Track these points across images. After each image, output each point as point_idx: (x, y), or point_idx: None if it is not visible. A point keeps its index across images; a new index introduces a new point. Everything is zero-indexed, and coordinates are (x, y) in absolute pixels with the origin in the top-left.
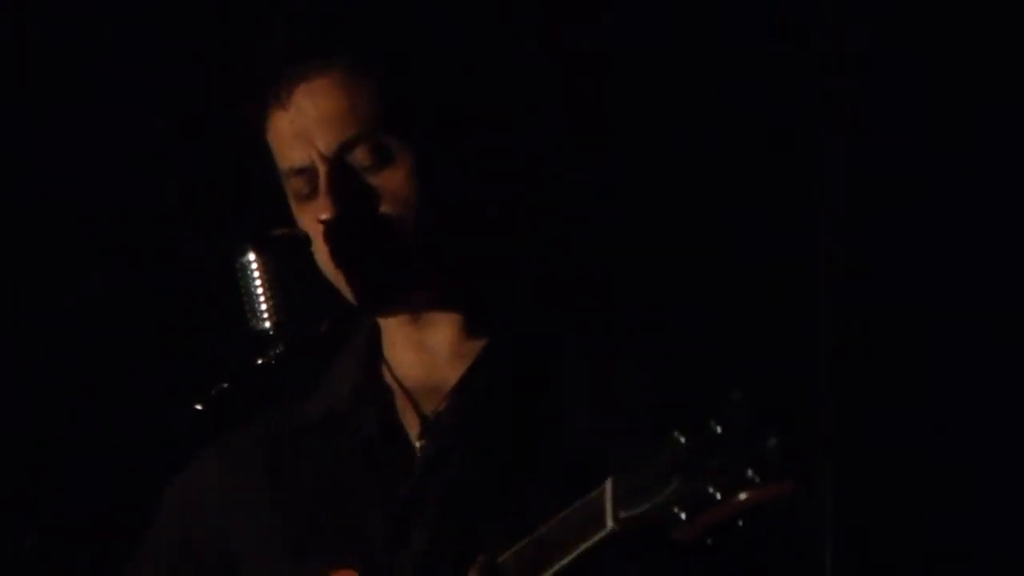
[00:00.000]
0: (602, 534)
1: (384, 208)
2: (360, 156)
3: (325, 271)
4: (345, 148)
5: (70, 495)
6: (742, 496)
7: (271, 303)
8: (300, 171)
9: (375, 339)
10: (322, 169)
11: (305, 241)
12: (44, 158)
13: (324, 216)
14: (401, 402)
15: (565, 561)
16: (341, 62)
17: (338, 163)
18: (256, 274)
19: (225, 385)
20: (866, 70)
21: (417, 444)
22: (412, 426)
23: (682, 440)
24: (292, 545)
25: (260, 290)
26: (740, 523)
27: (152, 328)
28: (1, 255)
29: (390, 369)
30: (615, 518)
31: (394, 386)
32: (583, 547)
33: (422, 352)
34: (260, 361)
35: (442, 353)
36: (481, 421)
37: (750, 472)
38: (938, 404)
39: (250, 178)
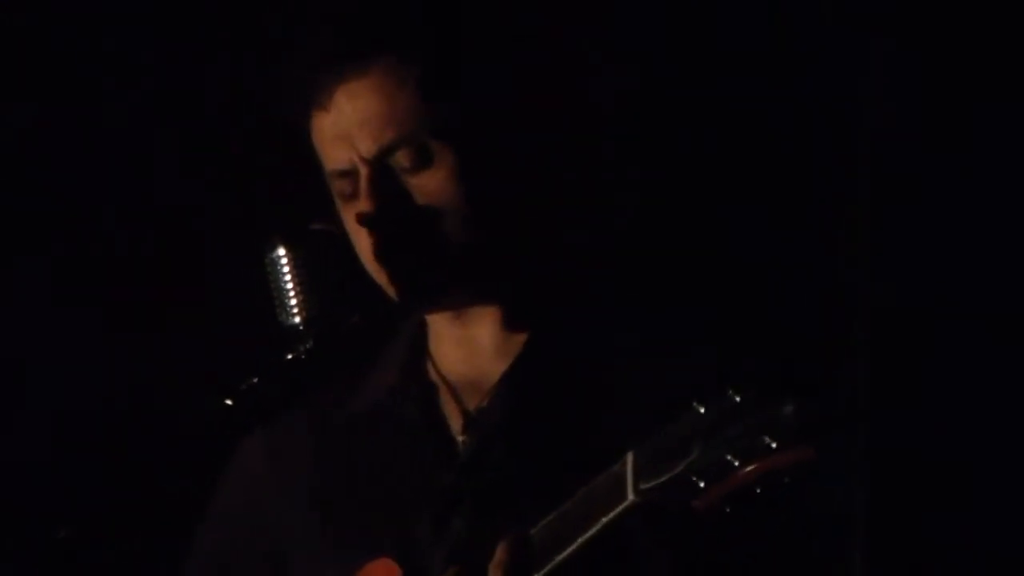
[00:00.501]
0: (623, 506)
1: (424, 208)
2: (400, 158)
3: (368, 270)
4: (385, 150)
5: (101, 489)
6: (759, 463)
7: (301, 298)
8: (343, 173)
9: (420, 334)
10: (363, 171)
11: (335, 236)
12: (70, 152)
13: (364, 220)
14: (444, 397)
15: (589, 534)
16: (381, 63)
17: (379, 165)
18: (286, 269)
19: (255, 380)
20: (888, 69)
21: (459, 439)
22: (455, 421)
23: (701, 410)
24: (334, 535)
25: (290, 285)
26: (758, 491)
27: (183, 323)
28: (33, 252)
29: (434, 364)
30: (635, 490)
31: (438, 381)
32: (605, 520)
33: (465, 348)
34: (290, 356)
35: (485, 349)
36: (522, 417)
37: (766, 439)
38: (976, 371)
39: (281, 173)
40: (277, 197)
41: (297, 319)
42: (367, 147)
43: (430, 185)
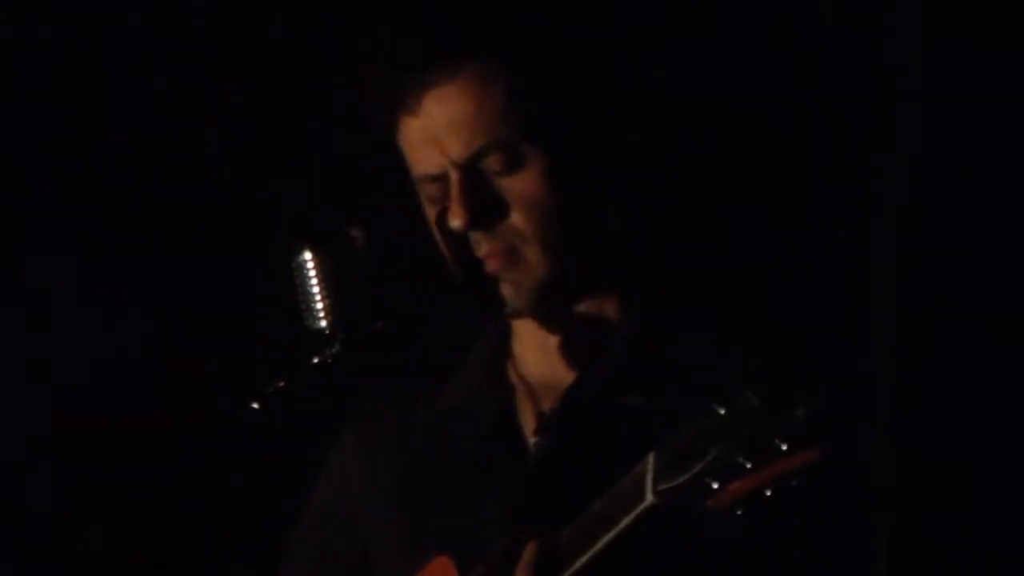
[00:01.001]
0: (642, 507)
1: (515, 211)
2: (491, 161)
3: (455, 275)
4: (476, 154)
5: (129, 491)
6: (769, 466)
7: (327, 302)
8: (433, 177)
9: (503, 335)
10: (454, 176)
11: (361, 240)
12: (102, 153)
13: (456, 223)
14: (521, 398)
15: (612, 535)
16: (469, 67)
17: (470, 169)
18: (312, 273)
19: (282, 384)
20: (924, 68)
21: (531, 440)
22: (529, 422)
23: (720, 412)
24: (410, 531)
25: (316, 289)
26: (768, 493)
27: (211, 327)
28: (62, 253)
29: (515, 365)
30: (654, 490)
31: (516, 382)
32: (626, 521)
33: (544, 350)
34: (316, 360)
35: (563, 351)
36: (592, 420)
37: (777, 441)
38: (998, 375)
39: (310, 178)
40: (305, 202)
41: (323, 323)
42: (458, 151)
43: (520, 187)
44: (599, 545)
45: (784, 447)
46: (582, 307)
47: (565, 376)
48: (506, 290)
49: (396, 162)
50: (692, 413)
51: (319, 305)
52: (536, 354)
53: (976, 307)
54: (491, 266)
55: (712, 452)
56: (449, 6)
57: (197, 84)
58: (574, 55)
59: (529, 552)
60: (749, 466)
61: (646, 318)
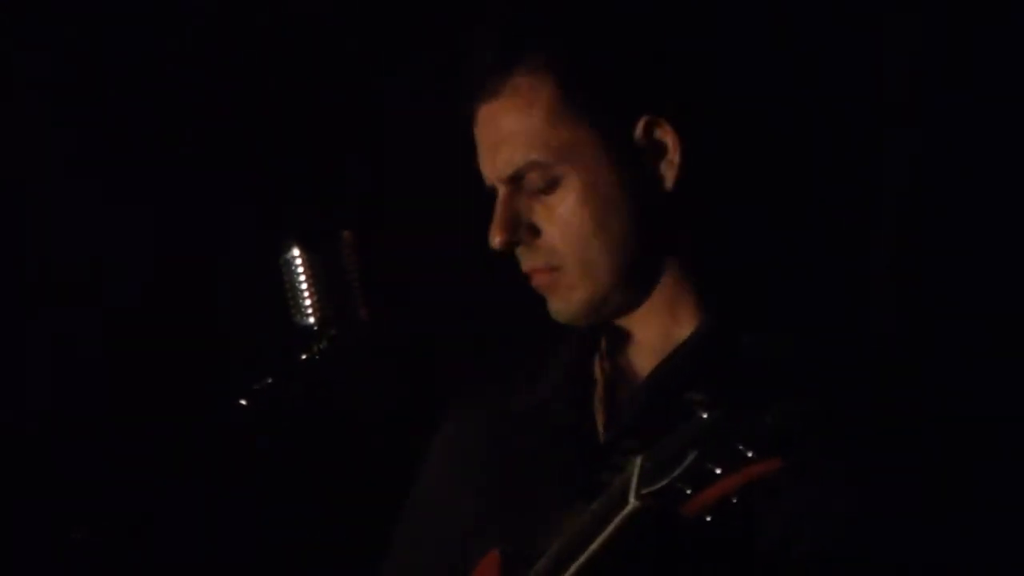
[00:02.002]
0: (626, 511)
1: (554, 232)
2: (532, 179)
3: None
4: (515, 174)
5: (117, 489)
6: (736, 473)
7: (315, 298)
8: (490, 187)
9: (595, 328)
10: (499, 192)
11: (349, 237)
12: (93, 145)
13: (494, 242)
14: (599, 392)
15: (603, 537)
16: (511, 86)
17: (512, 187)
18: (301, 269)
19: (269, 381)
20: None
21: (602, 434)
22: (602, 417)
23: (703, 416)
24: (481, 529)
25: (304, 285)
26: (734, 500)
27: (198, 324)
28: (58, 251)
29: (600, 361)
30: (637, 494)
31: (598, 376)
32: (614, 523)
33: (628, 344)
34: (304, 356)
35: (644, 346)
36: (659, 415)
37: (742, 447)
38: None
39: (296, 175)
40: (293, 198)
41: (311, 319)
42: (500, 168)
43: (558, 207)
44: (593, 547)
45: (749, 454)
46: (657, 305)
47: (641, 371)
48: (554, 303)
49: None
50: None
51: (307, 302)
52: (619, 346)
53: (976, 307)
54: (534, 281)
55: (689, 457)
56: (498, 27)
57: (190, 80)
58: (614, 79)
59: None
60: (718, 472)
61: (721, 316)
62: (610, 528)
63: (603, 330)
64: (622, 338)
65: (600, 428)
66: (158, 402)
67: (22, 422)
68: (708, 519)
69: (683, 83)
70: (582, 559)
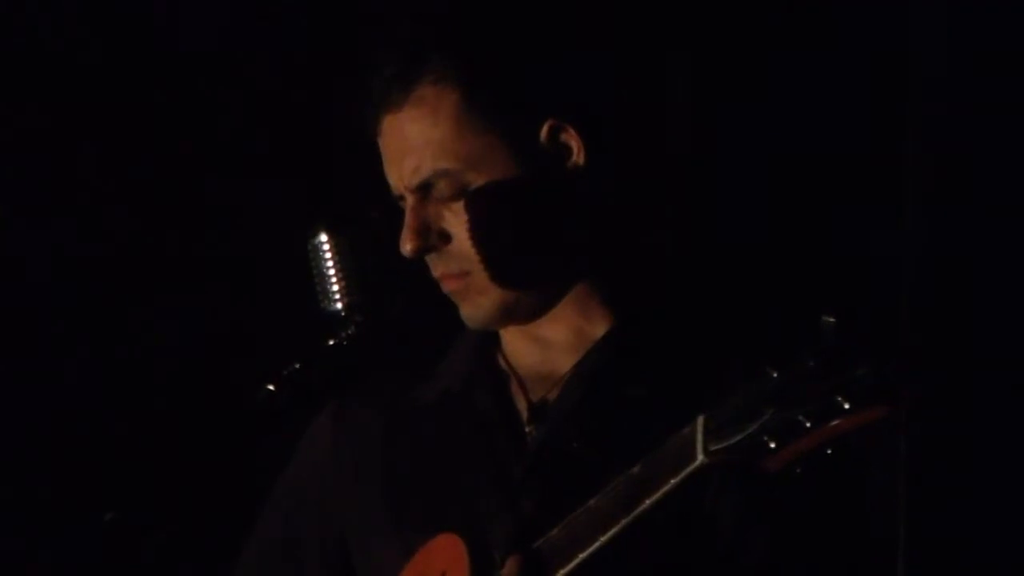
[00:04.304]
0: (692, 467)
1: (464, 239)
2: (441, 187)
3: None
4: (424, 181)
5: (145, 474)
6: (832, 424)
7: (343, 284)
8: (398, 196)
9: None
10: (407, 201)
11: (378, 221)
12: (118, 136)
13: (405, 249)
14: (514, 387)
15: (656, 497)
16: (416, 96)
17: (420, 195)
18: (328, 255)
19: (297, 366)
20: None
21: (527, 429)
22: (523, 411)
23: (775, 375)
24: (399, 515)
25: (332, 271)
26: (829, 451)
27: (226, 309)
28: (83, 244)
29: (504, 356)
30: (705, 451)
31: (508, 371)
32: (673, 482)
33: (536, 342)
34: (332, 342)
35: (556, 344)
36: (589, 410)
37: (839, 399)
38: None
39: (324, 162)
40: (322, 183)
41: (339, 305)
42: (408, 177)
43: (467, 215)
44: (644, 506)
45: (847, 406)
46: (567, 304)
47: (557, 367)
48: (466, 308)
49: None
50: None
51: (335, 287)
52: (526, 346)
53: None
54: (445, 287)
55: (768, 412)
56: (402, 38)
57: (217, 65)
58: (519, 85)
59: (510, 565)
60: (809, 425)
61: (638, 310)
62: (669, 485)
63: (504, 329)
64: (529, 337)
65: (523, 423)
66: (187, 387)
67: (55, 407)
68: (798, 471)
69: (584, 88)
70: (629, 518)
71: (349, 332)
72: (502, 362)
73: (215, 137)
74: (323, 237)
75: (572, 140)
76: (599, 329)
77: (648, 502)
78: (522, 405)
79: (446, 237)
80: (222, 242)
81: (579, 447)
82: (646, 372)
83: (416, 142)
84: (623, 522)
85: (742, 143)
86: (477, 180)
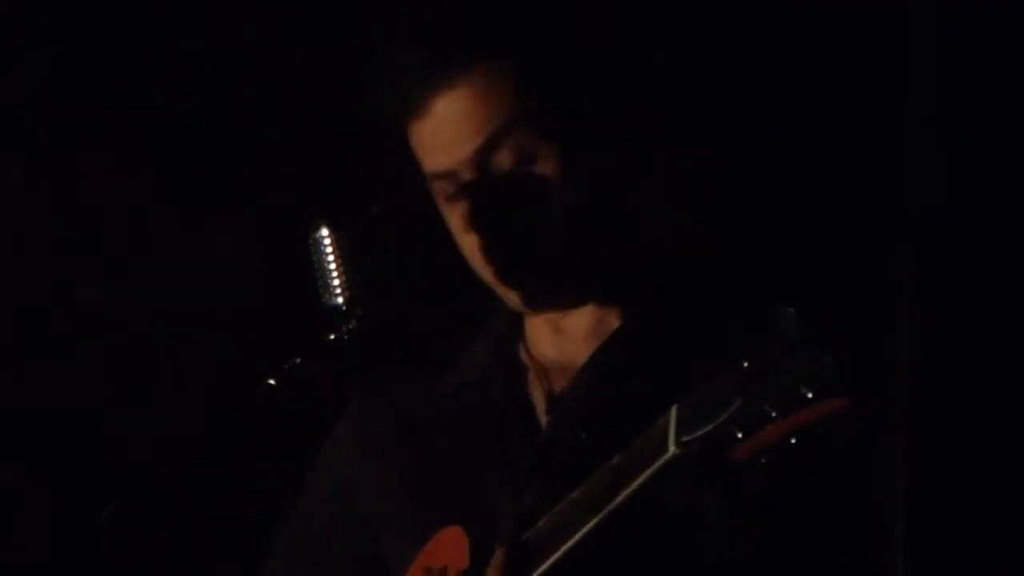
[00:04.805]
0: (664, 458)
1: (530, 208)
2: (501, 157)
3: (476, 272)
4: (486, 153)
5: (147, 467)
6: (796, 413)
7: (344, 278)
8: (445, 175)
9: (516, 317)
10: (466, 175)
11: (379, 216)
12: (119, 131)
13: (472, 222)
14: (533, 379)
15: (631, 488)
16: (475, 69)
17: (481, 168)
18: (329, 249)
19: (298, 360)
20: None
21: (543, 420)
22: (539, 402)
23: (744, 364)
24: (418, 508)
25: (333, 265)
26: (793, 441)
27: (225, 304)
28: (80, 233)
29: (526, 346)
30: (677, 442)
31: (528, 363)
32: (647, 473)
33: (558, 333)
34: (333, 336)
35: (577, 334)
36: (603, 400)
37: (803, 389)
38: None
39: (326, 156)
40: (323, 178)
41: (340, 299)
42: (467, 149)
43: (532, 183)
44: (619, 499)
45: (810, 395)
46: (596, 291)
47: (576, 358)
48: (527, 285)
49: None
50: (714, 368)
51: (336, 282)
52: (548, 336)
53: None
54: (511, 262)
55: (736, 402)
56: (452, 10)
57: (220, 60)
58: (579, 53)
59: (499, 555)
60: (774, 415)
61: (661, 302)
62: (643, 477)
63: (529, 319)
64: (552, 327)
65: (539, 414)
66: (188, 381)
67: (54, 403)
68: (763, 461)
69: (644, 77)
70: (606, 510)
71: (350, 326)
72: (523, 354)
73: (216, 131)
74: (324, 232)
75: (628, 126)
76: (614, 321)
77: (624, 493)
78: (539, 396)
79: (508, 210)
80: (223, 236)
81: (587, 438)
82: (658, 364)
83: (474, 115)
84: (602, 513)
85: (742, 143)
86: (540, 150)
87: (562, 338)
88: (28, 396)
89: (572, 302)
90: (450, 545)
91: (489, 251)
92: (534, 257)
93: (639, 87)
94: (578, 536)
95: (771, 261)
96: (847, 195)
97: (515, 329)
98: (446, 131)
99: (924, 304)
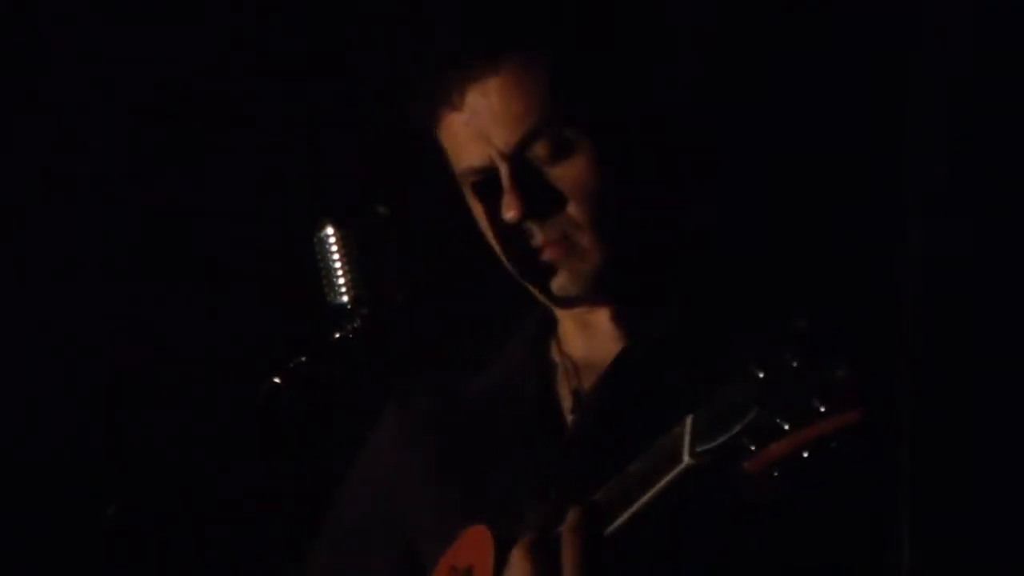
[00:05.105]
0: (679, 468)
1: (568, 201)
2: (539, 149)
3: (509, 267)
4: (524, 144)
5: (149, 467)
6: (808, 427)
7: (349, 277)
8: (479, 170)
9: (549, 314)
10: (503, 168)
11: (384, 216)
12: (126, 127)
13: (510, 215)
14: (562, 377)
15: (647, 497)
16: (510, 60)
17: (519, 160)
18: (334, 248)
19: (303, 359)
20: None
21: (568, 418)
22: (567, 400)
23: (760, 374)
24: (449, 507)
25: (338, 264)
26: (805, 455)
27: (231, 302)
28: (83, 231)
29: (558, 344)
30: (691, 452)
31: (559, 361)
32: (663, 482)
33: (588, 330)
34: (338, 335)
35: (606, 332)
36: (628, 398)
37: (816, 402)
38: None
39: (329, 155)
40: (327, 177)
41: (345, 298)
42: (504, 141)
43: (571, 175)
44: (635, 507)
45: (822, 409)
46: (625, 288)
47: (604, 355)
48: (562, 278)
49: (423, 141)
50: (731, 377)
51: (341, 280)
52: (578, 333)
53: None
54: (548, 255)
55: (750, 414)
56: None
57: (224, 58)
58: (615, 40)
59: (573, 515)
60: (787, 428)
61: (692, 299)
62: (659, 486)
63: (563, 315)
64: (580, 324)
65: (566, 412)
66: (191, 379)
67: (60, 403)
68: (775, 474)
69: (674, 64)
70: (622, 518)
71: (355, 325)
72: (555, 352)
73: (221, 130)
74: (329, 230)
75: (655, 117)
76: (645, 318)
77: (640, 501)
78: (567, 394)
79: (546, 201)
80: (228, 235)
81: (610, 438)
82: (683, 363)
83: (511, 106)
84: (619, 520)
85: (742, 143)
86: (577, 140)
87: (592, 336)
88: (34, 395)
89: (602, 298)
90: (474, 544)
91: (520, 246)
92: (571, 250)
93: (671, 84)
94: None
95: (771, 261)
96: (847, 195)
97: (548, 327)
98: (480, 124)
99: (924, 304)
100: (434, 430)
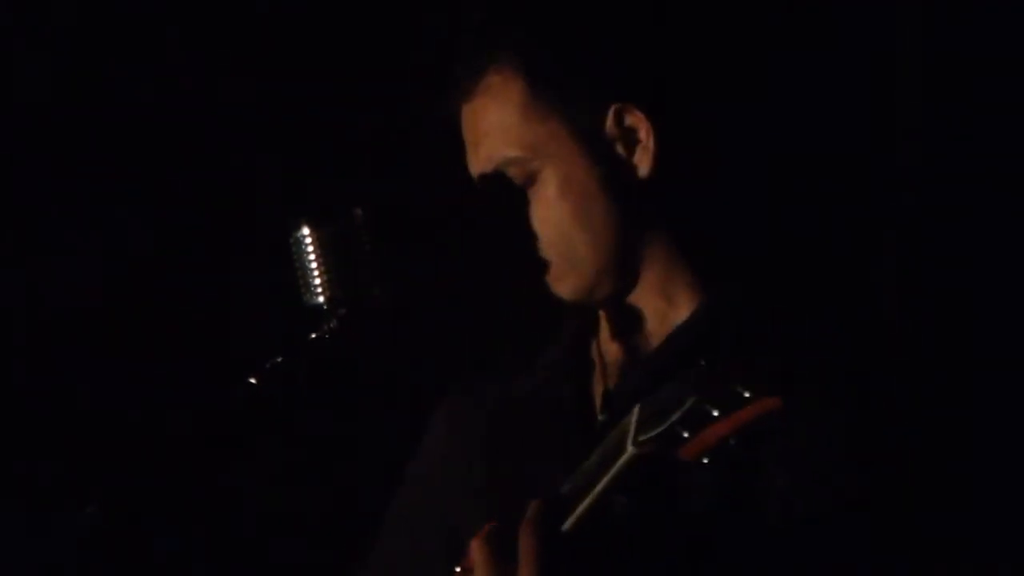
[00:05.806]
0: (624, 459)
1: (536, 225)
2: (513, 174)
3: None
4: (495, 168)
5: (126, 468)
6: (735, 413)
7: (325, 278)
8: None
9: (593, 313)
10: (480, 186)
11: (360, 217)
12: (101, 129)
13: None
14: (597, 376)
15: (598, 489)
16: (486, 83)
17: (492, 180)
18: (310, 248)
19: (279, 360)
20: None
21: (600, 417)
22: (599, 399)
23: (702, 363)
24: (487, 507)
25: (314, 264)
26: (731, 442)
27: (207, 303)
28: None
29: (598, 342)
30: (634, 442)
31: (596, 360)
32: (611, 473)
33: (624, 328)
34: (314, 335)
35: (640, 331)
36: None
37: (740, 388)
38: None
39: (309, 153)
40: (303, 177)
41: (321, 299)
42: (479, 164)
43: (538, 202)
44: (589, 499)
45: (747, 394)
46: (648, 288)
47: (640, 353)
48: (562, 281)
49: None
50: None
51: (317, 281)
52: (615, 332)
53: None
54: (531, 272)
55: (687, 402)
56: (468, 27)
57: (204, 61)
58: (587, 75)
59: (532, 508)
60: (716, 414)
61: (718, 297)
62: (607, 478)
63: (603, 314)
64: (621, 322)
65: (599, 411)
66: (167, 380)
67: (38, 399)
68: (705, 461)
69: (649, 68)
70: (583, 506)
71: (331, 326)
72: (594, 350)
73: (199, 131)
74: (305, 231)
75: (639, 123)
76: (682, 313)
77: (593, 493)
78: (600, 393)
79: (515, 219)
80: (204, 235)
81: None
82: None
83: (485, 130)
84: (575, 513)
85: (742, 143)
86: (545, 168)
87: (626, 334)
88: (12, 395)
89: (618, 300)
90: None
91: (526, 247)
92: (546, 268)
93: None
94: (565, 528)
95: (770, 261)
96: (847, 195)
97: (590, 326)
98: (468, 141)
99: (923, 304)
100: (483, 432)
